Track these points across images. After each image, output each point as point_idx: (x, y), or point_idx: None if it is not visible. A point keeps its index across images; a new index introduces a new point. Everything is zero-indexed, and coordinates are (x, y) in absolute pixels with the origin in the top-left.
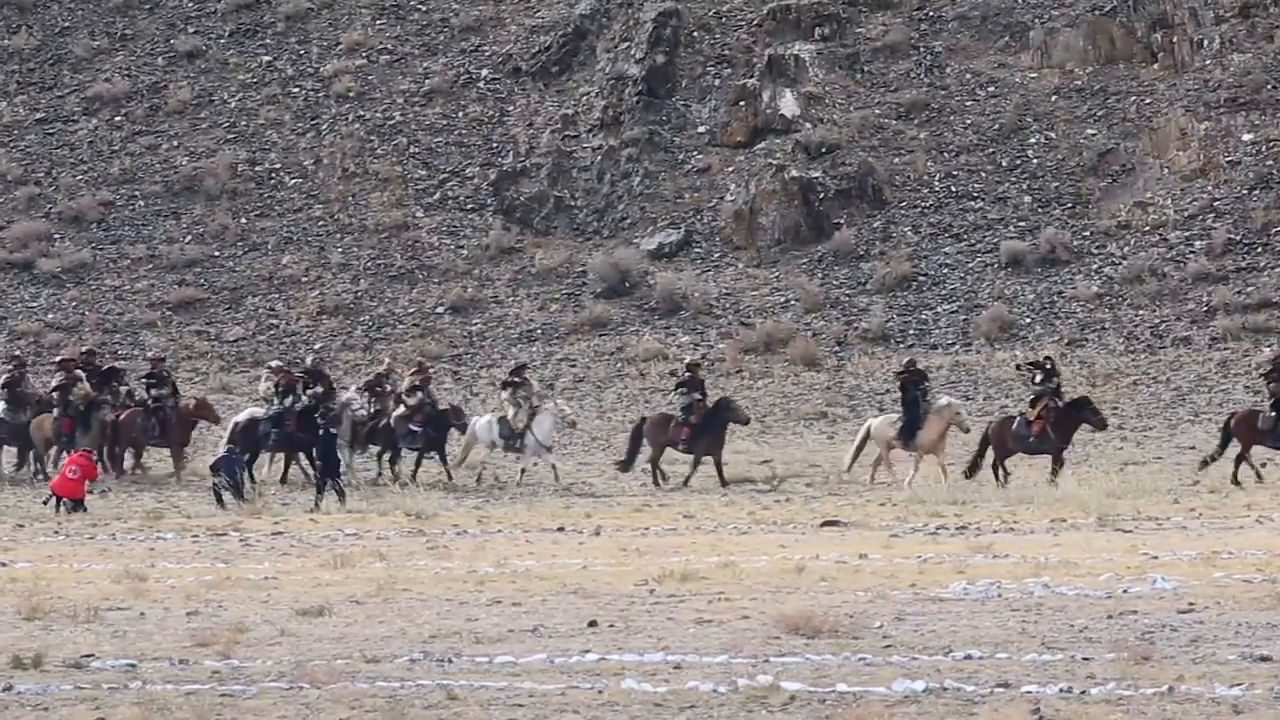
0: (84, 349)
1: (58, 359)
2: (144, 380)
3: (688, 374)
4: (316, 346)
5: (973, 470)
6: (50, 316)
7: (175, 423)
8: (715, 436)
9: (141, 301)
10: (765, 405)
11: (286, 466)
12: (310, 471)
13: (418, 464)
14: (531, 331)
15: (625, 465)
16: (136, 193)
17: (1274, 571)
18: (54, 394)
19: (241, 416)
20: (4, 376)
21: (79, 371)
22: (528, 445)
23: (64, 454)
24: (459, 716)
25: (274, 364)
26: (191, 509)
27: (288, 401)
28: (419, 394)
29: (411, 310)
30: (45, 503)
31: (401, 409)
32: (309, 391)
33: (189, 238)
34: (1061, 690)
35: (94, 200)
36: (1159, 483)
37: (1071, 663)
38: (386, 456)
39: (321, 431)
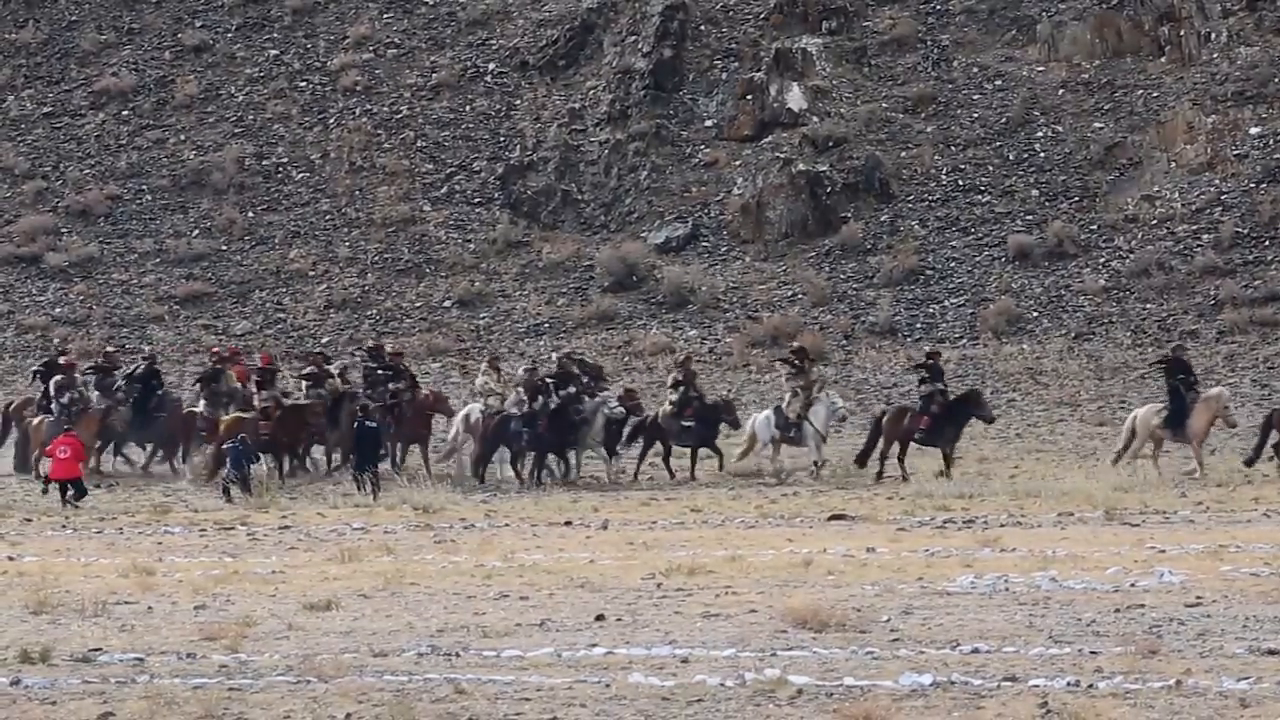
0: (318, 351)
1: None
2: (379, 375)
3: (929, 361)
4: (563, 347)
5: (863, 460)
6: (58, 311)
7: (411, 416)
8: (956, 430)
9: (149, 295)
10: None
11: (538, 466)
12: (555, 471)
13: (694, 460)
14: (539, 325)
15: (862, 459)
16: (144, 187)
17: None
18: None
19: (473, 411)
20: (202, 372)
21: (329, 367)
22: (805, 434)
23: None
24: (466, 710)
25: (494, 359)
26: (199, 503)
27: (539, 402)
28: (683, 389)
29: (419, 304)
30: (44, 492)
31: (669, 406)
32: (562, 391)
33: (196, 232)
34: (1069, 684)
35: (101, 194)
36: (1166, 476)
37: (1079, 656)
38: (643, 454)
39: (357, 424)
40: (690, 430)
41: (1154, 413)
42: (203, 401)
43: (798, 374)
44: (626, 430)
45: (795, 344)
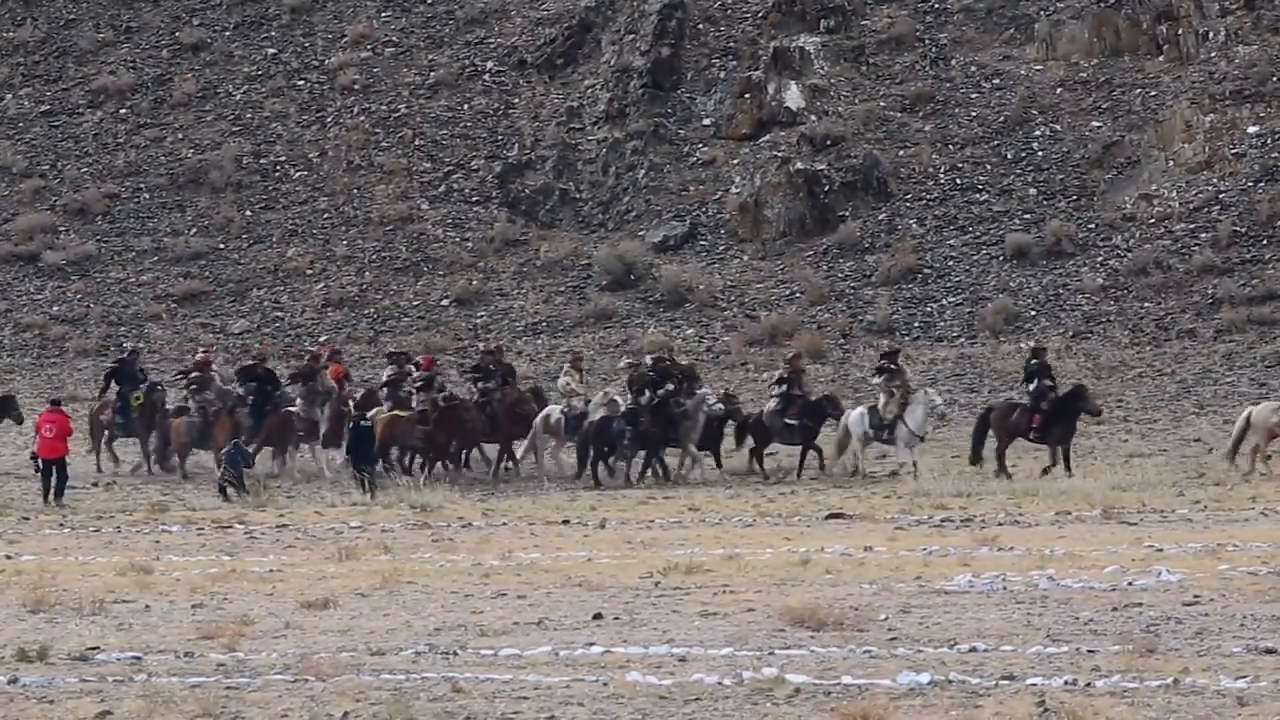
0: (410, 351)
1: (388, 352)
2: (470, 374)
3: (1034, 360)
4: (657, 340)
5: (975, 457)
6: (55, 309)
7: (504, 415)
8: (1068, 426)
9: (146, 294)
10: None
11: (647, 465)
12: (661, 470)
13: (802, 458)
14: (537, 324)
15: (974, 457)
16: (141, 185)
17: (1278, 564)
18: (383, 389)
19: (553, 412)
20: (298, 370)
21: (410, 366)
22: (899, 436)
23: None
24: (464, 709)
25: (576, 355)
26: (197, 502)
27: (642, 399)
28: (787, 386)
29: (416, 303)
30: (37, 471)
31: (774, 403)
32: (661, 389)
33: (194, 230)
34: (1066, 683)
35: (99, 193)
36: (1164, 475)
37: (1076, 655)
38: (754, 451)
39: (353, 423)
40: (794, 428)
41: (1271, 410)
42: (300, 401)
43: (892, 374)
44: (730, 430)
45: (888, 345)
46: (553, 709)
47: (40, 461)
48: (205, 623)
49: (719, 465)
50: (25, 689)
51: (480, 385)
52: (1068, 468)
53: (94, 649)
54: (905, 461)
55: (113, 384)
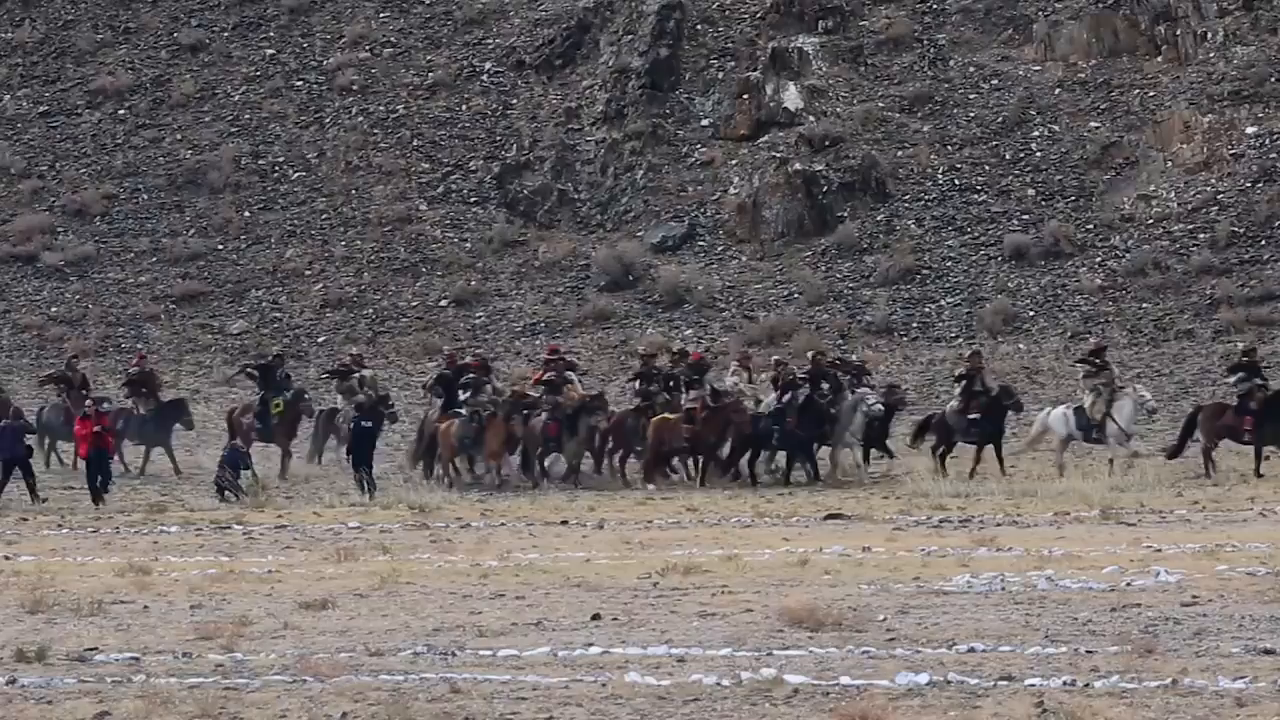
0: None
1: (548, 355)
2: (633, 379)
3: (1245, 360)
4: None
5: (1175, 453)
6: (54, 310)
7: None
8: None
9: (145, 295)
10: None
11: (789, 465)
12: (812, 469)
13: (998, 455)
14: (535, 325)
15: (1174, 452)
16: (140, 186)
17: (1277, 564)
18: (542, 395)
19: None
20: (436, 373)
21: (569, 373)
22: (1109, 434)
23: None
24: (462, 710)
25: (745, 351)
26: (195, 502)
27: (787, 398)
28: (968, 383)
29: (415, 303)
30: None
31: (956, 401)
32: (803, 389)
33: (192, 231)
34: (1065, 683)
35: (97, 193)
36: (1162, 476)
37: (1075, 656)
38: (936, 449)
39: (354, 425)
40: (976, 425)
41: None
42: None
43: (1097, 373)
44: (906, 428)
45: (1093, 343)
46: (551, 709)
47: (86, 462)
48: (203, 623)
49: (891, 457)
50: (24, 689)
51: (641, 389)
52: (1257, 467)
53: (92, 649)
54: (1117, 459)
55: (248, 374)
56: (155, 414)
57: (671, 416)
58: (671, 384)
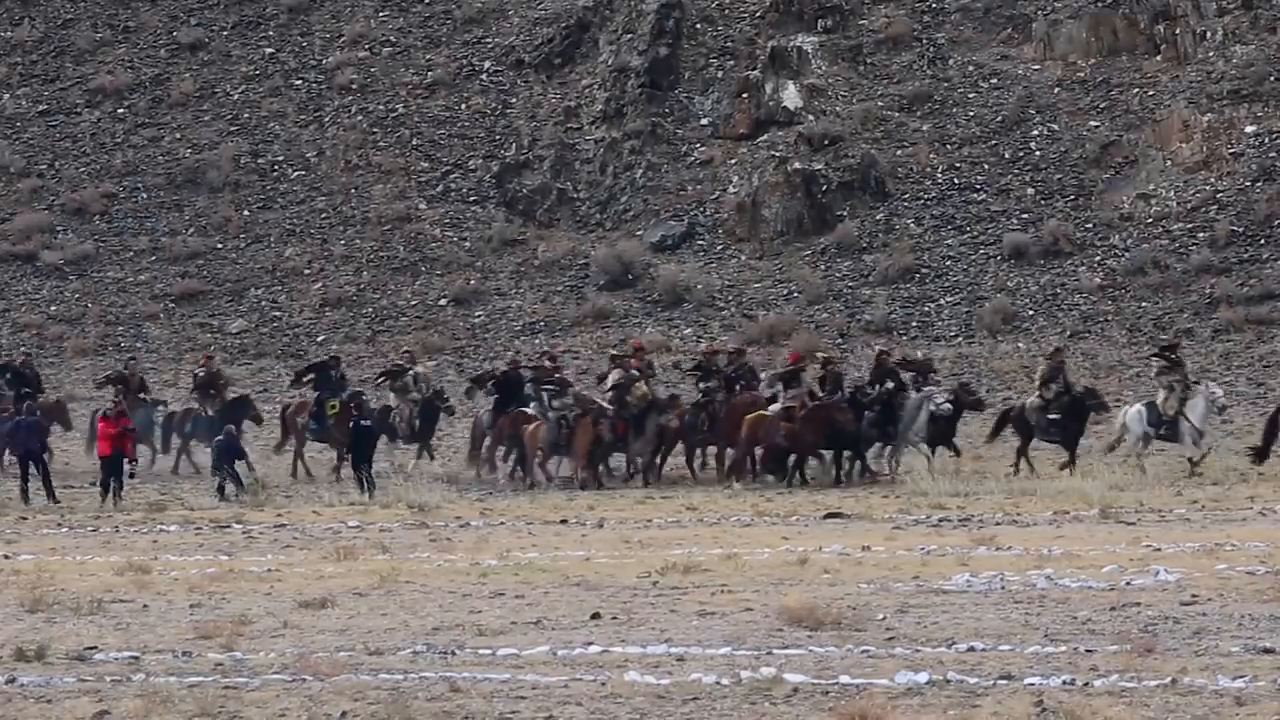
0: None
1: (612, 354)
2: (693, 372)
3: None
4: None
5: (1261, 456)
6: (53, 309)
7: (725, 417)
8: None
9: (144, 294)
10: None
11: (838, 463)
12: (861, 467)
13: (1072, 454)
14: (534, 324)
15: (1261, 454)
16: (139, 185)
17: (1277, 563)
18: (609, 393)
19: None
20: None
21: (634, 371)
22: (1183, 432)
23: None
24: (462, 708)
25: (824, 356)
26: (195, 501)
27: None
28: (1050, 381)
29: (414, 302)
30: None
31: (1037, 399)
32: (880, 387)
33: (192, 230)
34: (1065, 682)
35: (97, 192)
36: (1162, 475)
37: (1074, 655)
38: (1021, 448)
39: (352, 424)
40: (1057, 423)
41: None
42: (534, 404)
43: (1171, 369)
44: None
45: (1167, 339)
46: (551, 708)
47: (102, 460)
48: (203, 622)
49: (957, 455)
50: (23, 688)
51: (703, 386)
52: None
53: (92, 648)
54: (1190, 456)
55: (304, 382)
56: (221, 413)
57: (767, 414)
58: (731, 382)
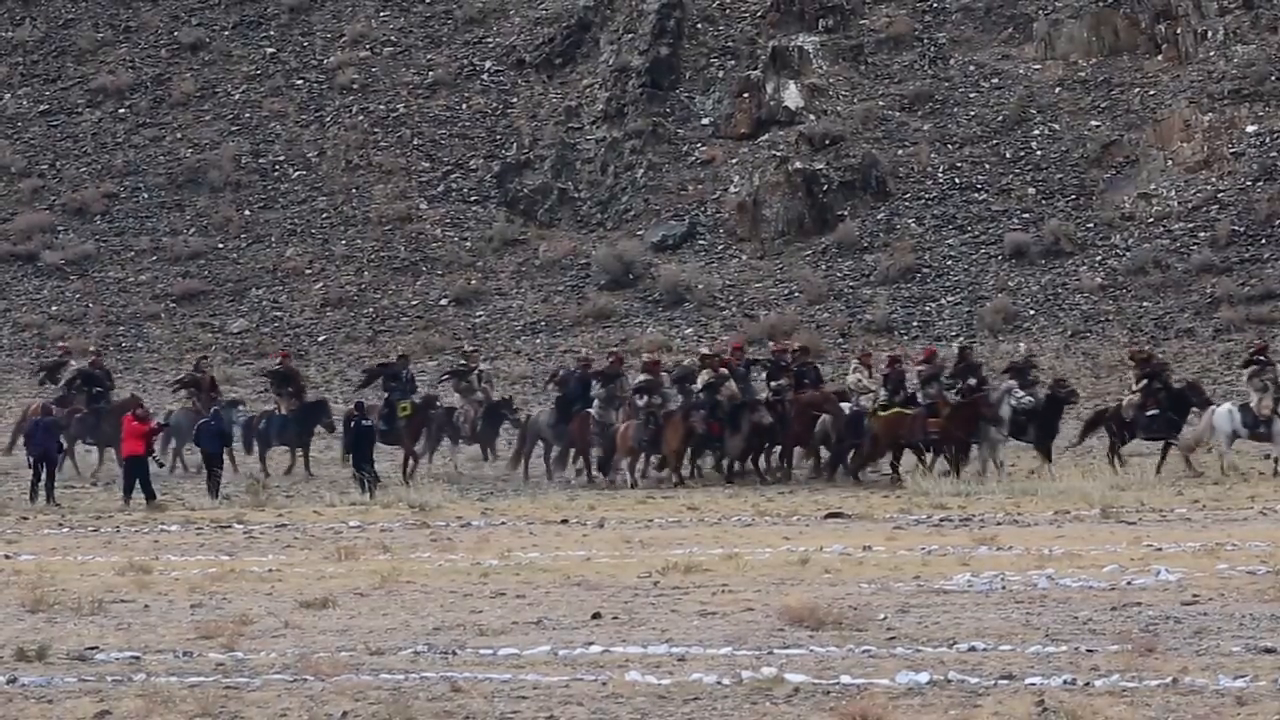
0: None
1: (703, 354)
2: (764, 367)
3: None
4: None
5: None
6: (54, 309)
7: (795, 416)
8: None
9: (145, 293)
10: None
11: (935, 458)
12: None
13: (1164, 452)
14: (535, 323)
15: None
16: (140, 185)
17: (1278, 563)
18: (701, 393)
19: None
20: (602, 370)
21: (724, 370)
22: (1276, 432)
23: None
24: (463, 709)
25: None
26: (195, 501)
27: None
28: (1149, 380)
29: (415, 302)
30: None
31: (1135, 397)
32: (963, 383)
33: (193, 230)
34: (1066, 682)
35: (98, 192)
36: (1163, 474)
37: (1075, 655)
38: (1112, 446)
39: (353, 423)
40: (1156, 420)
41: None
42: (597, 402)
43: (1262, 370)
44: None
45: (1258, 342)
46: (552, 708)
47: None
48: (204, 622)
49: (1047, 459)
50: (24, 688)
51: (773, 384)
52: None
53: (93, 648)
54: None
55: (372, 384)
56: (297, 415)
57: (907, 412)
58: (800, 379)
